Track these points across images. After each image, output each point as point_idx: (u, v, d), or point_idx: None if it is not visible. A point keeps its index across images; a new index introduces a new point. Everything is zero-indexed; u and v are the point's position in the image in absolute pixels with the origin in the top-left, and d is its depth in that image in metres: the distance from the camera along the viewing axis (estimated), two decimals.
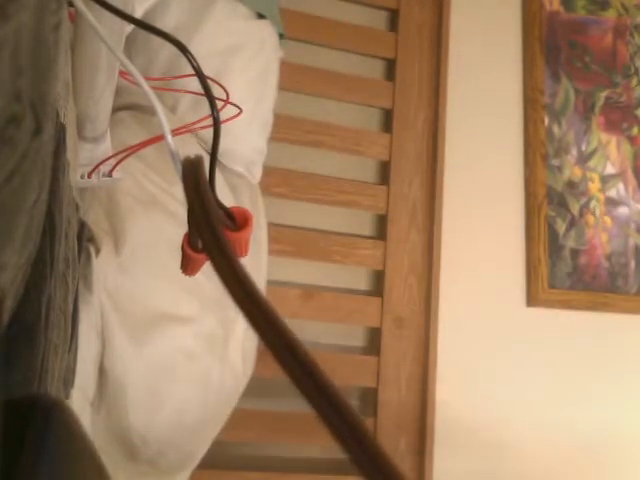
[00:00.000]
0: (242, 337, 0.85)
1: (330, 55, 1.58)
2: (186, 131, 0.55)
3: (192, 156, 0.28)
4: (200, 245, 0.30)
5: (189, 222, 0.28)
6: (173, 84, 0.86)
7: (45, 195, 0.26)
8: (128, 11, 0.36)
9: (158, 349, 0.74)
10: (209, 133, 0.32)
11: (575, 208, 1.60)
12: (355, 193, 1.50)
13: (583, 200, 1.61)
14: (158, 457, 0.75)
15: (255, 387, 0.94)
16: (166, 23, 0.91)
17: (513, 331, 1.50)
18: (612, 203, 1.63)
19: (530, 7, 1.69)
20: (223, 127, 0.33)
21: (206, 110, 0.32)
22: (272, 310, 0.18)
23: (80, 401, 0.66)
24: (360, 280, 1.51)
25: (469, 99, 1.61)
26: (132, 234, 0.74)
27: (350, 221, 1.52)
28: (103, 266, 0.70)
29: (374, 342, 1.46)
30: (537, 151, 1.60)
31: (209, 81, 0.32)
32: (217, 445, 0.87)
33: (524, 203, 1.58)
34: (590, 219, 1.60)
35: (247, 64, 0.97)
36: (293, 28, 1.36)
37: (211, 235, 0.22)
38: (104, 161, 0.53)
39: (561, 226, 1.57)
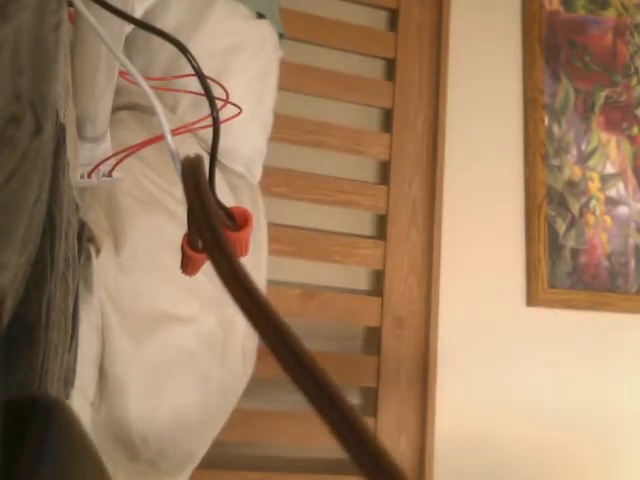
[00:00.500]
0: (242, 337, 0.85)
1: (330, 55, 1.58)
2: (186, 131, 0.55)
3: (192, 156, 0.28)
4: (200, 245, 0.30)
5: (189, 222, 0.28)
6: (173, 84, 0.86)
7: (45, 195, 0.26)
8: (128, 11, 0.36)
9: (158, 349, 0.74)
10: (209, 133, 0.32)
11: (575, 208, 1.60)
12: (355, 193, 1.50)
13: (583, 200, 1.61)
14: (158, 457, 0.75)
15: (255, 387, 0.94)
16: (166, 23, 0.91)
17: (513, 331, 1.50)
18: (612, 203, 1.63)
19: (530, 7, 1.69)
20: (223, 127, 0.33)
21: (206, 110, 0.32)
22: (272, 310, 0.18)
23: (80, 401, 0.66)
24: (360, 280, 1.51)
25: (469, 99, 1.61)
26: (132, 234, 0.74)
27: (350, 221, 1.52)
28: (103, 266, 0.70)
29: (374, 342, 1.46)
30: (537, 151, 1.60)
31: (209, 81, 0.32)
32: (217, 445, 0.87)
33: (524, 203, 1.58)
34: (590, 219, 1.60)
35: (247, 64, 0.97)
36: (293, 28, 1.36)
37: (211, 235, 0.22)
38: (104, 161, 0.53)
39: (561, 226, 1.57)
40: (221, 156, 0.92)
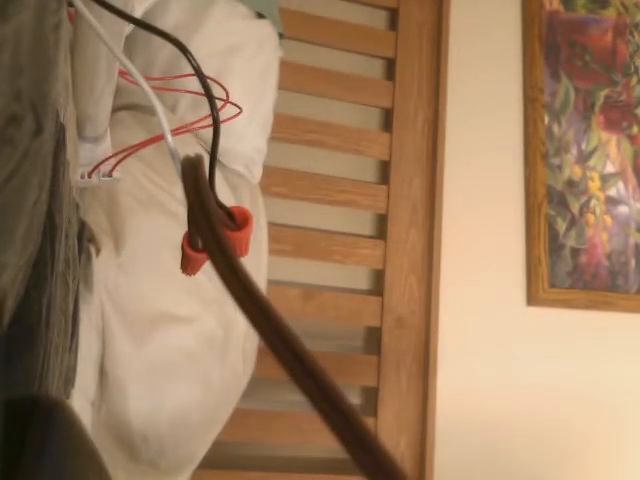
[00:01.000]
0: (242, 337, 0.85)
1: (330, 55, 1.58)
2: (186, 131, 0.55)
3: (192, 155, 0.28)
4: (200, 245, 0.30)
5: (189, 222, 0.28)
6: (173, 84, 0.86)
7: (45, 195, 0.26)
8: (128, 11, 0.36)
9: (158, 349, 0.74)
10: (209, 133, 0.32)
11: (575, 207, 1.60)
12: (355, 193, 1.50)
13: (583, 199, 1.61)
14: (158, 457, 0.75)
15: (255, 387, 0.94)
16: (166, 23, 0.91)
17: (513, 330, 1.50)
18: (612, 202, 1.63)
19: (530, 6, 1.69)
20: (223, 127, 0.33)
21: (206, 110, 0.32)
22: (273, 309, 0.18)
23: (81, 401, 0.66)
24: (360, 280, 1.51)
25: (469, 98, 1.60)
26: (132, 234, 0.74)
27: (350, 221, 1.52)
28: (103, 266, 0.70)
29: (374, 342, 1.46)
30: (537, 150, 1.60)
31: (209, 81, 0.32)
32: (217, 445, 0.87)
33: (524, 202, 1.58)
34: (590, 218, 1.60)
35: (247, 64, 0.97)
36: (293, 28, 1.36)
37: (211, 235, 0.22)
38: (104, 161, 0.53)
39: (561, 225, 1.57)
40: (221, 156, 0.92)
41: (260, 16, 1.01)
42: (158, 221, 0.77)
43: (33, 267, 0.27)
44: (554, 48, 1.68)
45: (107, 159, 0.54)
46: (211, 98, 0.32)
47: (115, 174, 0.54)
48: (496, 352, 1.48)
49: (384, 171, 1.57)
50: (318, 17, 1.58)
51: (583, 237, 1.58)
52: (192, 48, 0.33)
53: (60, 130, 0.34)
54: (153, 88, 0.33)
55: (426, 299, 1.47)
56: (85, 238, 0.64)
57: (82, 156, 0.54)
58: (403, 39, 1.63)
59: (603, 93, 1.69)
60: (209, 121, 0.33)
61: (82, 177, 0.53)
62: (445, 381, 1.42)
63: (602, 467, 1.48)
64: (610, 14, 1.76)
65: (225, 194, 0.89)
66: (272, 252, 1.02)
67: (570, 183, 1.61)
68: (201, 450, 0.85)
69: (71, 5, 0.35)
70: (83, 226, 0.61)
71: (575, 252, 1.57)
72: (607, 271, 1.58)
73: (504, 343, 1.49)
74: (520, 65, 1.67)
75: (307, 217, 1.48)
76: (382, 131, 1.59)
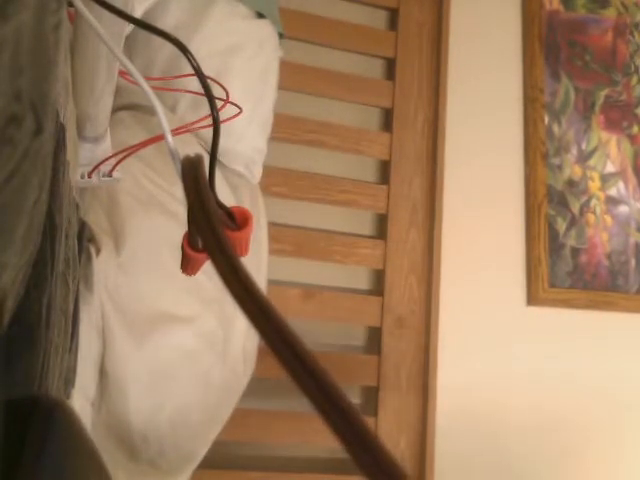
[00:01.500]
0: (242, 337, 0.85)
1: (330, 55, 1.58)
2: (186, 131, 0.55)
3: (192, 155, 0.28)
4: (200, 245, 0.30)
5: (189, 221, 0.28)
6: (173, 84, 0.86)
7: (45, 195, 0.26)
8: (128, 11, 0.36)
9: (159, 349, 0.74)
10: (209, 133, 0.32)
11: (575, 207, 1.60)
12: (355, 193, 1.50)
13: (583, 199, 1.61)
14: (158, 457, 0.75)
15: (255, 387, 0.94)
16: (166, 23, 0.91)
17: (513, 330, 1.50)
18: (612, 202, 1.63)
19: (530, 6, 1.69)
20: (223, 127, 0.33)
21: (206, 110, 0.32)
22: (273, 309, 0.18)
23: (81, 401, 0.66)
24: (360, 280, 1.51)
25: (469, 98, 1.60)
26: (132, 234, 0.74)
27: (350, 221, 1.52)
28: (103, 266, 0.70)
29: (374, 341, 1.46)
30: (537, 150, 1.60)
31: (209, 81, 0.32)
32: (217, 445, 0.87)
33: (524, 202, 1.58)
34: (590, 218, 1.60)
35: (247, 64, 0.97)
36: (293, 28, 1.36)
37: (211, 234, 0.22)
38: (104, 161, 0.53)
39: (561, 225, 1.57)
40: (221, 156, 0.92)
41: (260, 16, 1.01)
42: (158, 221, 0.77)
43: (33, 267, 0.27)
44: (554, 48, 1.68)
45: (107, 159, 0.54)
46: (211, 98, 0.32)
47: (115, 174, 0.54)
48: (496, 352, 1.48)
49: (384, 171, 1.57)
50: (318, 17, 1.58)
51: (583, 237, 1.58)
52: (192, 48, 0.33)
53: (60, 130, 0.34)
54: (153, 88, 0.33)
55: (426, 299, 1.47)
56: (85, 238, 0.64)
57: (82, 156, 0.54)
58: (403, 39, 1.63)
59: (603, 93, 1.69)
60: (209, 121, 0.32)
61: (82, 177, 0.53)
62: (445, 381, 1.42)
63: (602, 466, 1.48)
64: (610, 14, 1.76)
65: (225, 194, 0.89)
66: (272, 252, 1.02)
67: (570, 183, 1.61)
68: (201, 450, 0.85)
69: (71, 5, 0.35)
70: (83, 226, 0.61)
71: (575, 252, 1.56)
72: (607, 271, 1.58)
73: (504, 343, 1.49)
74: (520, 65, 1.67)
75: (307, 217, 1.48)
76: (382, 131, 1.59)
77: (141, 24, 0.34)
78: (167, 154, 0.30)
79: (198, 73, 0.32)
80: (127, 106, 0.86)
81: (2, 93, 0.18)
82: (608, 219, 1.62)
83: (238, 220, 0.31)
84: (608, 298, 1.56)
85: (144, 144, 0.48)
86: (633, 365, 1.55)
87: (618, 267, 1.59)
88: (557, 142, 1.62)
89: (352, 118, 1.57)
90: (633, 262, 1.60)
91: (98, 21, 0.36)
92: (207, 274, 0.27)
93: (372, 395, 1.42)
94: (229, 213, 0.30)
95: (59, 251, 0.36)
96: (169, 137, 0.31)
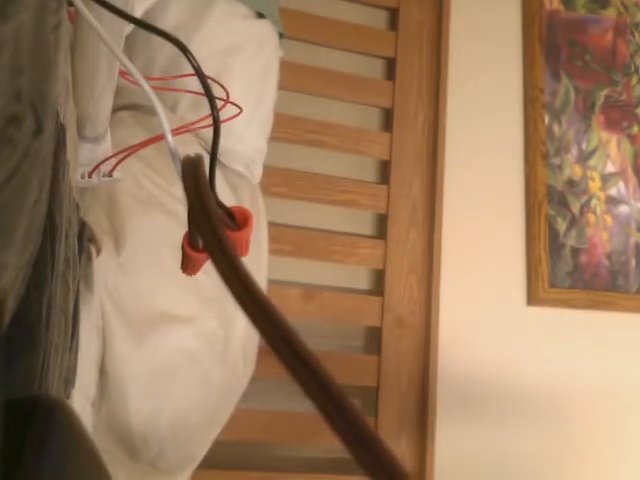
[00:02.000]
0: (243, 337, 0.85)
1: (330, 54, 1.58)
2: (186, 131, 0.55)
3: (192, 155, 0.28)
4: (200, 244, 0.30)
5: (189, 221, 0.28)
6: (173, 84, 0.86)
7: (45, 195, 0.26)
8: (128, 11, 0.36)
9: (159, 349, 0.74)
10: (209, 133, 0.32)
11: (575, 207, 1.60)
12: (355, 192, 1.50)
13: (583, 199, 1.61)
14: (159, 457, 0.75)
15: (255, 387, 0.94)
16: (166, 23, 0.91)
17: (514, 330, 1.50)
18: (612, 202, 1.63)
19: (530, 6, 1.69)
20: (223, 127, 0.32)
21: (206, 110, 0.32)
22: (274, 308, 0.18)
23: (81, 401, 0.66)
24: (360, 279, 1.51)
25: (469, 98, 1.60)
26: (132, 234, 0.74)
27: (350, 221, 1.52)
28: (104, 266, 0.70)
29: (374, 341, 1.45)
30: (537, 150, 1.60)
31: (209, 81, 0.32)
32: (217, 445, 0.87)
33: (524, 202, 1.58)
34: (590, 218, 1.60)
35: (247, 64, 0.97)
36: (293, 28, 1.36)
37: (212, 234, 0.22)
38: (104, 161, 0.53)
39: (561, 225, 1.57)
40: (221, 156, 0.92)
41: (260, 16, 1.01)
42: (158, 221, 0.77)
43: (33, 267, 0.27)
44: (554, 48, 1.68)
45: (107, 159, 0.54)
46: (211, 98, 0.32)
47: (115, 174, 0.54)
48: (496, 352, 1.48)
49: (384, 171, 1.56)
50: (318, 17, 1.57)
51: (583, 237, 1.58)
52: (192, 48, 0.33)
53: (60, 130, 0.34)
54: (153, 88, 0.33)
55: (426, 299, 1.47)
56: (85, 238, 0.64)
57: (82, 156, 0.54)
58: (403, 39, 1.63)
59: (603, 93, 1.69)
60: (209, 121, 0.32)
61: (82, 177, 0.53)
62: (445, 381, 1.42)
63: (602, 466, 1.48)
64: (610, 14, 1.76)
65: (225, 194, 0.89)
66: (272, 252, 1.02)
67: (570, 183, 1.61)
68: (201, 450, 0.85)
69: (71, 5, 0.35)
70: (83, 226, 0.61)
71: (575, 252, 1.56)
72: (607, 271, 1.58)
73: (504, 343, 1.49)
74: (520, 65, 1.67)
75: (307, 217, 1.48)
76: (382, 131, 1.59)
77: (141, 24, 0.34)
78: (167, 154, 0.30)
79: (198, 73, 0.32)
80: (127, 106, 0.86)
81: (2, 93, 0.18)
82: (608, 219, 1.62)
83: (238, 220, 0.30)
84: (608, 298, 1.56)
85: (144, 144, 0.48)
86: (633, 365, 1.55)
87: (618, 267, 1.59)
88: (557, 142, 1.62)
89: (352, 118, 1.57)
90: (633, 262, 1.60)
91: (98, 21, 0.36)
92: (207, 274, 0.27)
93: (372, 395, 1.42)
94: (229, 213, 0.30)
95: (59, 251, 0.36)
96: (169, 137, 0.31)
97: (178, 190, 0.79)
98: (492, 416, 1.45)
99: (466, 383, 1.45)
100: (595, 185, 1.63)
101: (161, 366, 0.74)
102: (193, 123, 0.50)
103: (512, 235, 1.56)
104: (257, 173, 1.00)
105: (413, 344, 1.45)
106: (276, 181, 1.42)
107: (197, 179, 0.26)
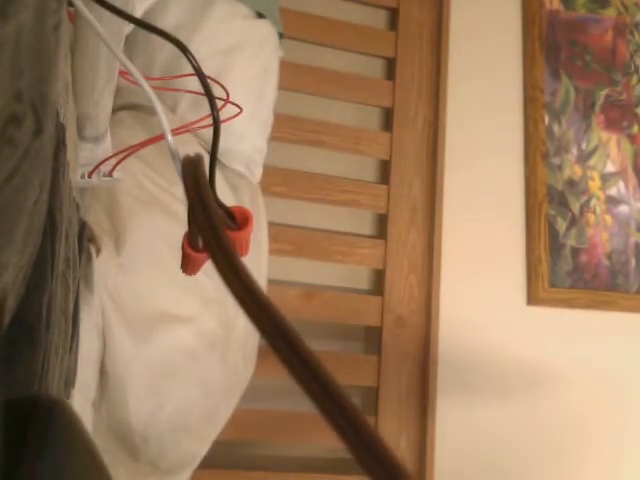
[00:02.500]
0: (243, 337, 0.85)
1: (330, 54, 1.58)
2: (186, 131, 0.55)
3: (192, 155, 0.28)
4: (201, 244, 0.30)
5: (189, 221, 0.28)
6: (173, 84, 0.86)
7: (45, 195, 0.26)
8: (128, 11, 0.36)
9: (159, 349, 0.74)
10: (209, 133, 0.32)
11: (575, 207, 1.60)
12: (355, 192, 1.50)
13: (583, 199, 1.61)
14: (159, 457, 0.75)
15: (255, 387, 0.94)
16: (166, 23, 0.91)
17: (514, 330, 1.50)
18: (612, 201, 1.63)
19: (530, 6, 1.69)
20: (223, 127, 0.32)
21: (206, 110, 0.32)
22: (274, 308, 0.18)
23: (81, 401, 0.66)
24: (360, 279, 1.51)
25: (469, 98, 1.60)
26: (133, 234, 0.74)
27: (350, 220, 1.52)
28: (104, 266, 0.70)
29: (375, 341, 1.45)
30: (537, 150, 1.60)
31: (209, 81, 0.32)
32: (217, 445, 0.87)
33: (524, 202, 1.58)
34: (590, 218, 1.60)
35: (247, 64, 0.97)
36: (293, 28, 1.36)
37: (212, 234, 0.22)
38: (104, 161, 0.53)
39: (561, 225, 1.57)
40: (221, 156, 0.92)
41: (260, 16, 1.01)
42: (158, 221, 0.77)
43: (33, 267, 0.27)
44: (554, 48, 1.68)
45: (107, 159, 0.54)
46: (211, 98, 0.32)
47: (115, 174, 0.54)
48: (496, 352, 1.48)
49: (384, 171, 1.56)
50: (318, 17, 1.57)
51: (583, 237, 1.58)
52: (192, 48, 0.33)
53: (60, 130, 0.34)
54: (153, 88, 0.33)
55: (426, 299, 1.47)
56: (85, 238, 0.64)
57: (82, 156, 0.54)
58: (403, 39, 1.63)
59: (603, 93, 1.69)
60: (209, 121, 0.32)
61: (82, 177, 0.53)
62: (445, 380, 1.42)
63: (602, 466, 1.48)
64: (610, 14, 1.76)
65: (225, 194, 0.89)
66: (272, 252, 1.02)
67: (570, 183, 1.61)
68: (202, 450, 0.85)
69: (71, 5, 0.35)
70: (83, 226, 0.61)
71: (575, 252, 1.56)
72: (607, 271, 1.58)
73: (504, 342, 1.49)
74: (520, 65, 1.67)
75: (307, 217, 1.48)
76: (382, 131, 1.59)
77: (141, 24, 0.34)
78: (167, 154, 0.30)
79: (198, 73, 0.32)
80: (127, 106, 0.86)
81: (2, 93, 0.18)
82: (608, 219, 1.62)
83: (238, 220, 0.31)
84: (608, 298, 1.56)
85: (144, 144, 0.48)
86: (633, 365, 1.55)
87: (618, 267, 1.59)
88: (557, 142, 1.62)
89: (352, 118, 1.57)
90: (633, 262, 1.60)
91: (98, 21, 0.36)
92: (207, 274, 0.27)
93: (372, 395, 1.42)
94: (229, 213, 0.30)
95: (59, 251, 0.36)
96: (169, 137, 0.31)
97: (178, 190, 0.79)
98: (492, 416, 1.45)
99: (466, 383, 1.45)
100: (595, 185, 1.63)
101: (161, 366, 0.74)
102: (193, 123, 0.50)
103: (512, 235, 1.56)
104: (257, 173, 1.00)
105: (413, 344, 1.45)
106: (276, 181, 1.42)
107: (197, 179, 0.26)
